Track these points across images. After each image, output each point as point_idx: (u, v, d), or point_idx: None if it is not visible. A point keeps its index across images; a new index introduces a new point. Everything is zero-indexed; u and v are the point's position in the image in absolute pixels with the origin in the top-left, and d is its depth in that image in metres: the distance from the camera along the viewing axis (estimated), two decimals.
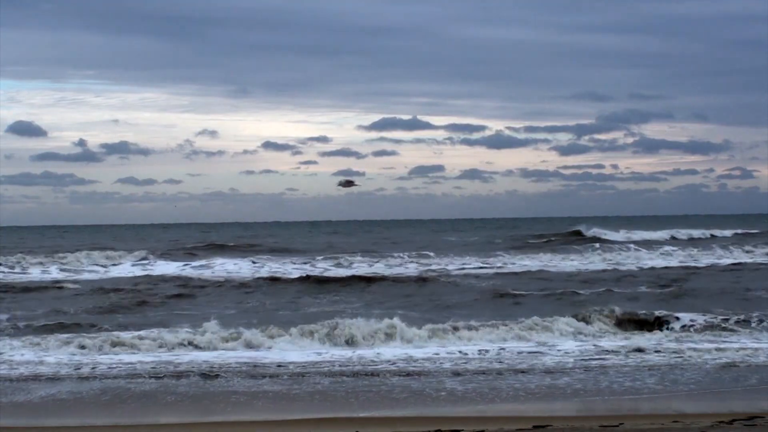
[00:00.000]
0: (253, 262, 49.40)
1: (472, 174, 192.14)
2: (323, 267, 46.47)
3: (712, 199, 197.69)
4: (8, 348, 20.87)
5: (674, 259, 50.03)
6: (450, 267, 45.61)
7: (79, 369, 18.69)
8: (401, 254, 52.62)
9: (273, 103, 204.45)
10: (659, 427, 12.58)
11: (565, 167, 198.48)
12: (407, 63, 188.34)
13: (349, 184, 25.95)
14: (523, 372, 17.76)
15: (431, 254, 53.33)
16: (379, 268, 45.24)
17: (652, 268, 43.21)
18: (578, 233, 73.56)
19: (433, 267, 45.47)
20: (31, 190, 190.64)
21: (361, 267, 45.92)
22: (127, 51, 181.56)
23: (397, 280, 38.38)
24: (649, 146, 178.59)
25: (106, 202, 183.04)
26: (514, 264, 47.14)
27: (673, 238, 71.36)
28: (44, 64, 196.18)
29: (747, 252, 53.15)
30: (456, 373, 17.73)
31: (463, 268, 44.79)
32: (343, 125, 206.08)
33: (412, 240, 77.45)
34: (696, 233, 75.93)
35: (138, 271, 45.42)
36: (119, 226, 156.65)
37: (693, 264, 46.22)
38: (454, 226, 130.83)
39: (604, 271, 42.24)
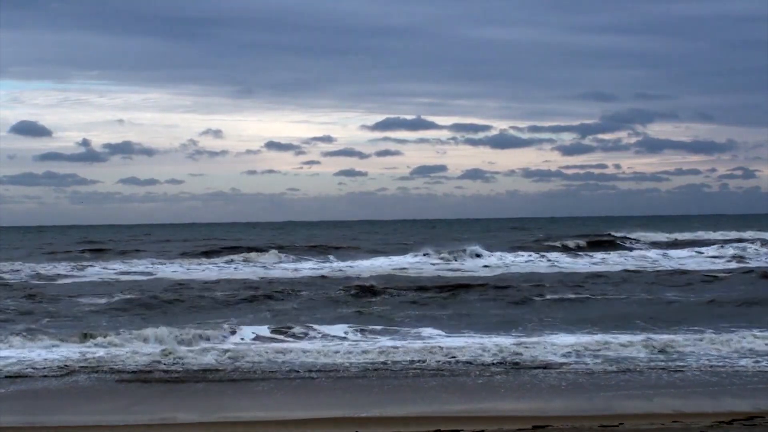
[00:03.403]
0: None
1: (474, 174, 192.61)
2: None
3: (713, 199, 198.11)
4: None
5: None
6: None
7: None
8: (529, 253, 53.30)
9: (276, 103, 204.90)
10: (659, 427, 12.56)
11: (567, 167, 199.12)
12: (411, 63, 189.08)
13: None
14: None
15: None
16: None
17: None
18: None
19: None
20: (32, 190, 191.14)
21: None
22: (131, 51, 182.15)
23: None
24: (653, 146, 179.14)
25: (107, 203, 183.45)
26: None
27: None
28: (48, 65, 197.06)
29: None
30: None
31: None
32: (346, 125, 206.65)
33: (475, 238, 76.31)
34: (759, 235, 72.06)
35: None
36: (123, 226, 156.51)
37: None
38: (460, 226, 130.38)
39: None
